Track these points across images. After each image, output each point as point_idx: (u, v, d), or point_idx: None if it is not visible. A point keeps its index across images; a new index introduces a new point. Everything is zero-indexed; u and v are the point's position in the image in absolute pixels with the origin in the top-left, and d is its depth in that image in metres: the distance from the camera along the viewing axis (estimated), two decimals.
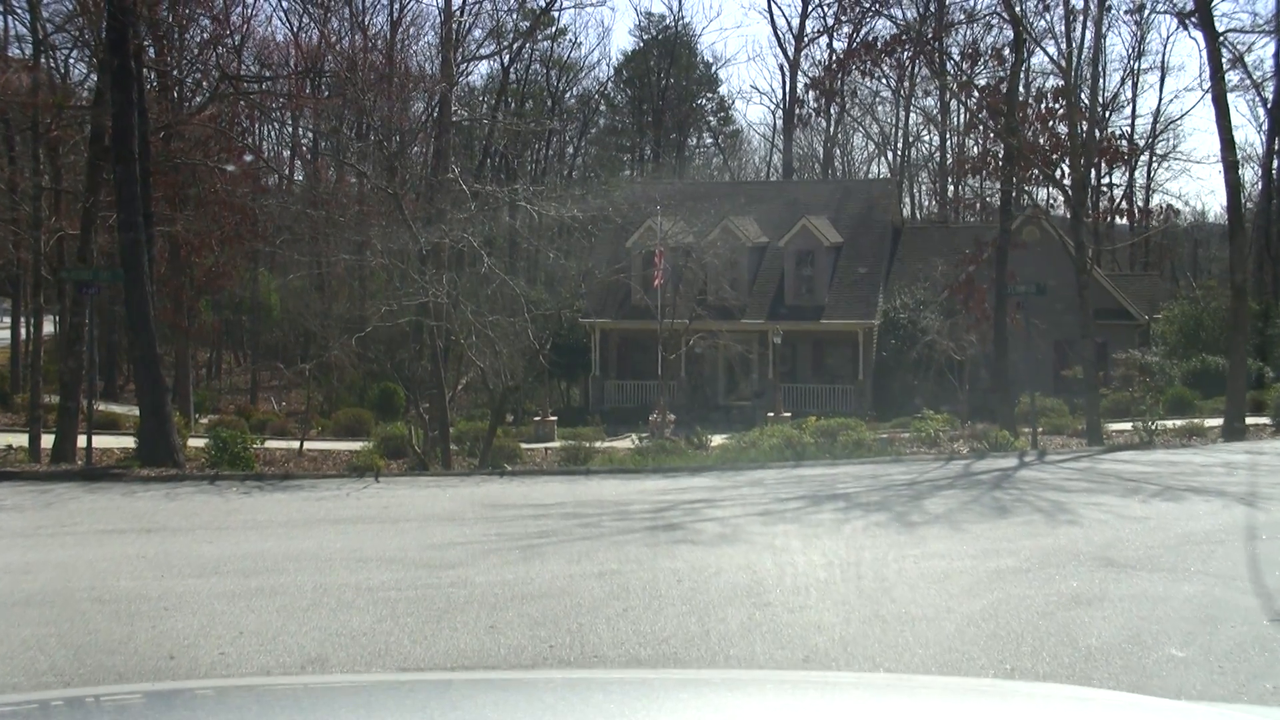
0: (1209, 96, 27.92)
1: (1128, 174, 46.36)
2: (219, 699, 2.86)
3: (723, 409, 40.49)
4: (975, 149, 32.41)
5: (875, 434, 26.42)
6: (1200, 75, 38.80)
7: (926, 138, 66.46)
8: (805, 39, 63.56)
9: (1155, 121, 60.08)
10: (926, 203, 69.86)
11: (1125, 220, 25.55)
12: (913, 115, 62.74)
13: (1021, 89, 31.80)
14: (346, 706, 2.50)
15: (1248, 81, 50.28)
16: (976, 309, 28.29)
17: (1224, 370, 41.71)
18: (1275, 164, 53.76)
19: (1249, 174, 57.96)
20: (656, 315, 36.53)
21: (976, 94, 28.66)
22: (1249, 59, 51.46)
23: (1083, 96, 30.26)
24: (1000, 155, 27.92)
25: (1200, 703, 4.22)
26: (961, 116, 53.06)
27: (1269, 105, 50.16)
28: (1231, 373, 27.45)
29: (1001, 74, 29.47)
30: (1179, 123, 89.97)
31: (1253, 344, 45.28)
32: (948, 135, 59.46)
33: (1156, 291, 54.05)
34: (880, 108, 66.27)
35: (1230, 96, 31.26)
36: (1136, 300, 46.91)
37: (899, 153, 66.26)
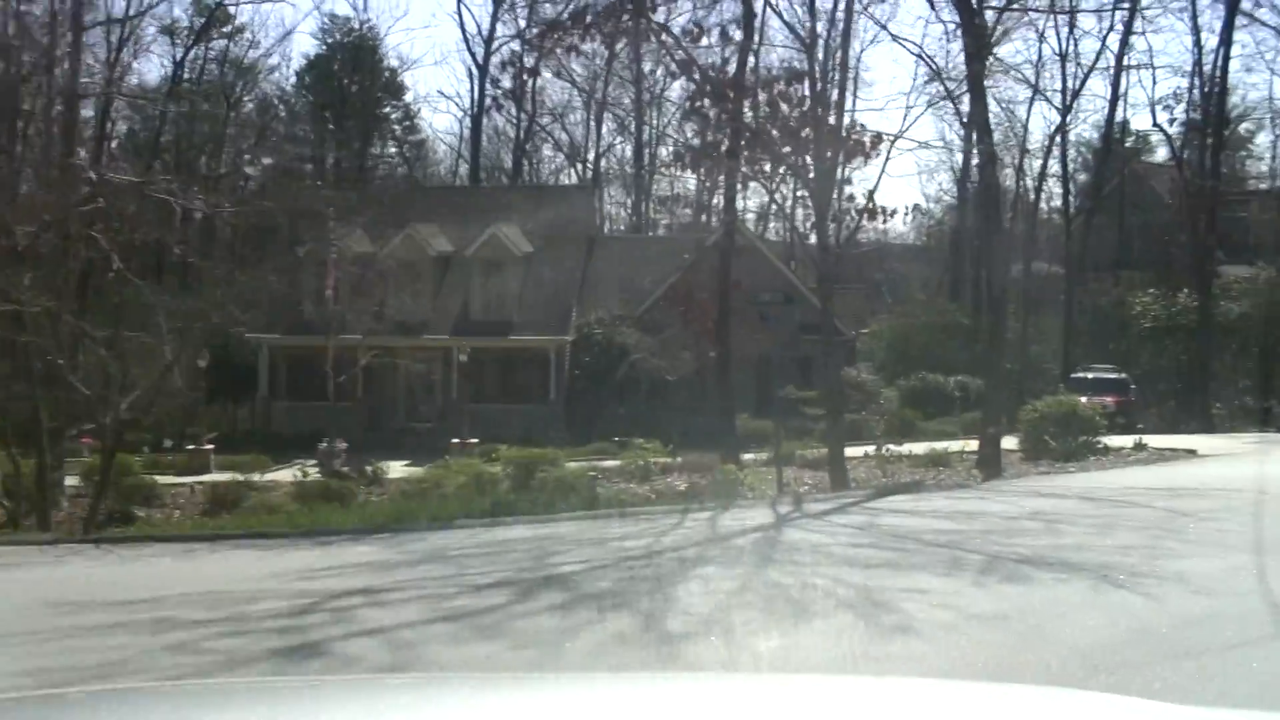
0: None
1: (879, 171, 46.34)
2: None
3: (405, 432, 39.49)
4: (696, 140, 30.79)
5: (576, 462, 25.33)
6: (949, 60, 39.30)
7: (619, 146, 67.18)
8: (495, 41, 62.73)
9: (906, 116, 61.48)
10: (618, 213, 70.85)
11: (869, 221, 23.99)
12: (605, 126, 65.14)
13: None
14: None
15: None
16: (698, 322, 26.34)
17: (944, 388, 42.42)
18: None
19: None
20: (328, 331, 35.08)
21: (699, 74, 26.67)
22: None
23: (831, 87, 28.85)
24: (725, 146, 26.24)
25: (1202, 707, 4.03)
26: (658, 120, 52.72)
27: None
28: (988, 396, 26.47)
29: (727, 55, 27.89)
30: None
31: (964, 359, 46.18)
32: (645, 142, 59.93)
33: (860, 306, 54.84)
34: (570, 116, 67.78)
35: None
36: (842, 315, 47.02)
37: (589, 164, 67.62)
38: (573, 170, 69.78)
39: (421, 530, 17.37)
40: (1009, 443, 26.21)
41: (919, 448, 27.10)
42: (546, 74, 62.09)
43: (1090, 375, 41.06)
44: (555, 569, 13.68)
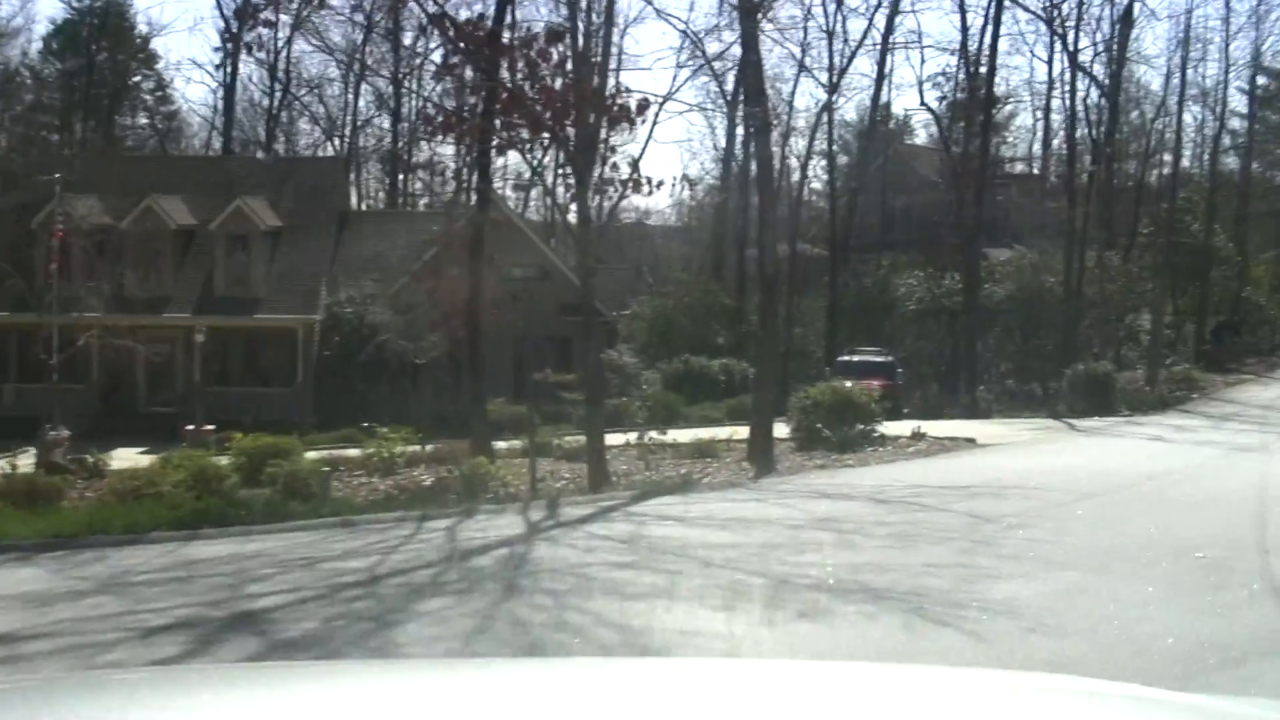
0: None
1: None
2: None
3: (148, 417, 36.70)
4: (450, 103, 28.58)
5: (317, 451, 23.98)
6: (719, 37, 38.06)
7: (379, 120, 65.17)
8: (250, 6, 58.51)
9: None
10: (377, 189, 68.43)
11: (635, 192, 22.13)
12: (364, 99, 62.61)
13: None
14: None
15: None
16: (447, 300, 24.07)
17: (708, 371, 41.13)
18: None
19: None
20: (50, 307, 31.47)
21: (453, 29, 24.25)
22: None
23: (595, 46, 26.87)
24: (479, 109, 24.08)
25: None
26: (419, 91, 50.30)
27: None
28: (759, 382, 24.79)
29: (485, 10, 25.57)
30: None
31: (728, 342, 45.04)
32: (404, 115, 57.54)
33: (622, 286, 53.53)
34: (328, 89, 64.92)
35: None
36: (602, 295, 45.52)
37: (346, 138, 64.59)
38: (330, 144, 66.72)
39: (109, 545, 14.65)
40: (779, 430, 24.65)
41: (684, 435, 25.51)
42: (303, 45, 59.45)
43: (856, 359, 40.06)
44: (254, 602, 11.23)
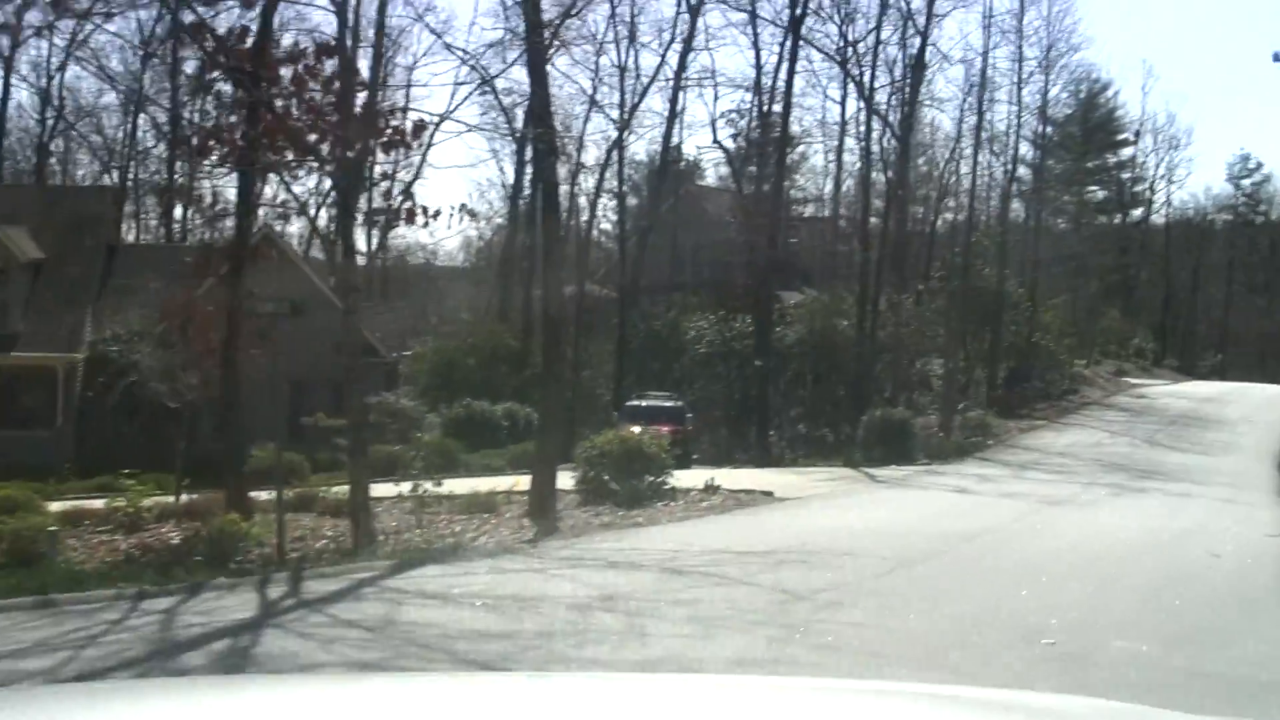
0: None
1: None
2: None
3: None
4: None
5: (66, 502, 22.22)
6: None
7: (156, 152, 61.57)
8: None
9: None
10: (157, 226, 64.92)
11: (409, 223, 20.00)
12: (141, 129, 58.97)
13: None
14: None
15: None
16: (199, 339, 21.55)
17: (491, 417, 39.00)
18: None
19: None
20: None
21: (213, 42, 21.73)
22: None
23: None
24: (242, 129, 21.63)
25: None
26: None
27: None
28: (543, 430, 22.77)
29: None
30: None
31: (512, 386, 43.02)
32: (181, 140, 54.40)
33: (405, 326, 51.42)
34: (107, 118, 61.23)
35: None
36: (383, 335, 43.51)
37: (124, 168, 60.97)
38: (108, 176, 62.87)
39: None
40: (565, 480, 22.69)
41: (463, 485, 23.41)
42: (78, 70, 55.94)
43: (645, 403, 38.41)
44: None
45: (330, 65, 20.29)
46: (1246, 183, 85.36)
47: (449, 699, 3.02)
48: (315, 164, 21.04)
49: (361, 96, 22.62)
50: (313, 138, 20.29)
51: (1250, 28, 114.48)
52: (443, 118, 23.54)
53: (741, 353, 46.94)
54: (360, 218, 20.42)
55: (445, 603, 12.69)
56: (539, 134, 23.30)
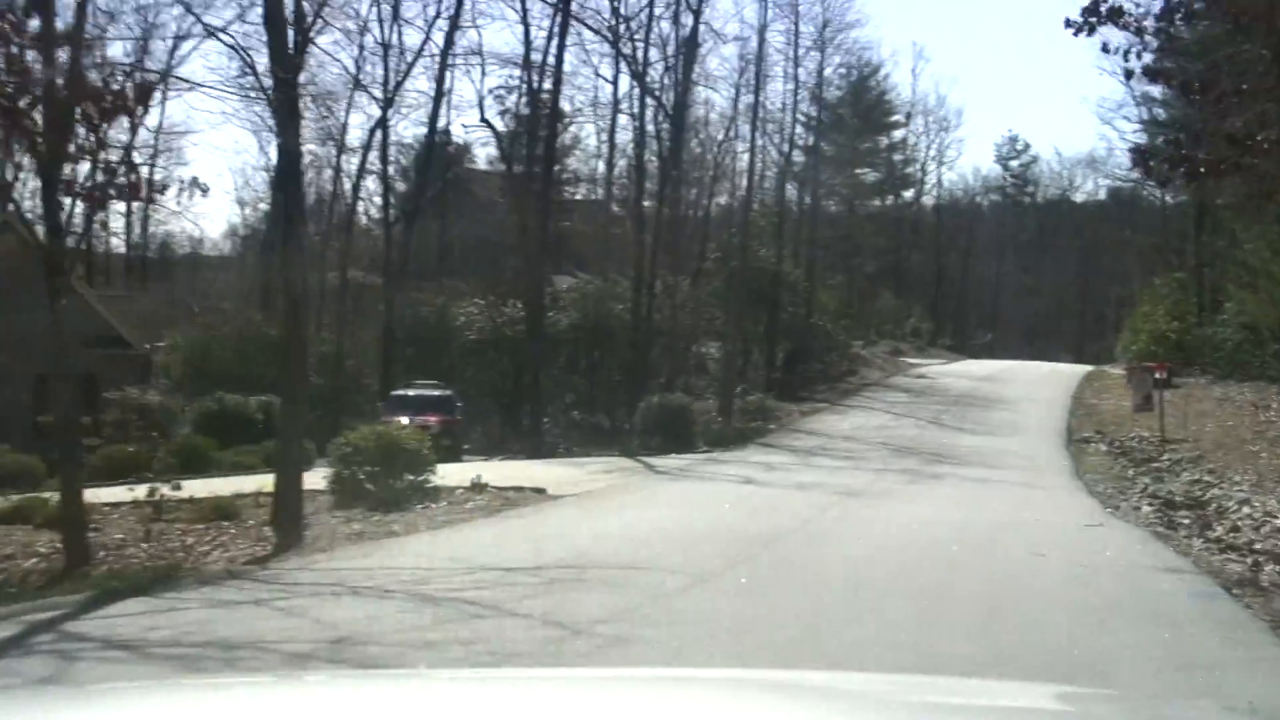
0: None
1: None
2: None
3: None
4: None
5: None
6: None
7: None
8: None
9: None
10: None
11: (133, 199, 17.20)
12: None
13: None
14: None
15: None
16: None
17: (246, 410, 35.87)
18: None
19: None
20: None
21: None
22: None
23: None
24: None
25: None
26: None
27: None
28: (284, 426, 19.95)
29: None
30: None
31: (271, 377, 39.93)
32: None
33: (161, 316, 47.89)
34: None
35: None
36: (136, 325, 39.94)
37: None
38: None
39: None
40: (318, 478, 20.07)
41: (209, 487, 20.97)
42: None
43: (412, 393, 35.84)
44: None
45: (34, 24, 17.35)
46: (1015, 164, 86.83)
47: (448, 697, 3.08)
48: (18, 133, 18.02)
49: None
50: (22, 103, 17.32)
51: (1018, 10, 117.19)
52: (164, 75, 20.71)
53: (513, 339, 44.65)
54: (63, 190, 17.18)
55: (131, 654, 9.96)
56: (277, 94, 20.42)
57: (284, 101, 20.58)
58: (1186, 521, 19.12)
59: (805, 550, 14.57)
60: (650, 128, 49.28)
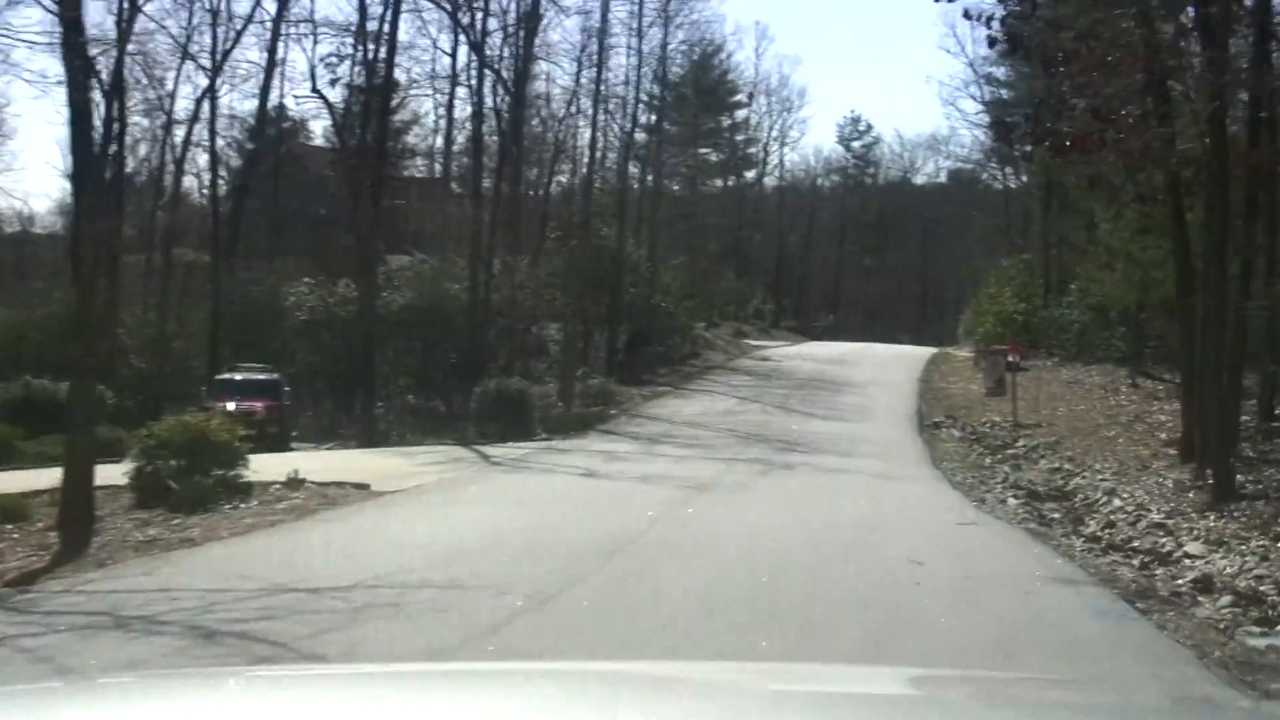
0: None
1: None
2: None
3: None
4: None
5: None
6: None
7: None
8: None
9: None
10: None
11: None
12: None
13: None
14: None
15: None
16: None
17: (53, 396, 32.92)
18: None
19: None
20: None
21: None
22: None
23: None
24: None
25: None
26: None
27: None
28: (72, 415, 17.60)
29: None
30: None
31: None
32: None
33: None
34: None
35: None
36: None
37: None
38: None
39: None
40: (122, 473, 17.86)
41: (11, 481, 18.78)
42: None
43: (239, 377, 33.41)
44: None
45: None
46: (857, 144, 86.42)
47: (449, 694, 3.07)
48: None
49: None
50: None
51: None
52: None
53: (346, 320, 42.25)
54: None
55: None
56: (65, 42, 17.98)
57: (71, 48, 18.18)
58: (1057, 516, 17.90)
59: (653, 561, 12.78)
60: (490, 102, 47.18)
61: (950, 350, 53.45)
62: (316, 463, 23.15)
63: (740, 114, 78.27)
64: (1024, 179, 57.15)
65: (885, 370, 43.36)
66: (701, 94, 70.76)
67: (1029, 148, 22.52)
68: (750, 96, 77.39)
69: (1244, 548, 14.48)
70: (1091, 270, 31.02)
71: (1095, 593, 11.38)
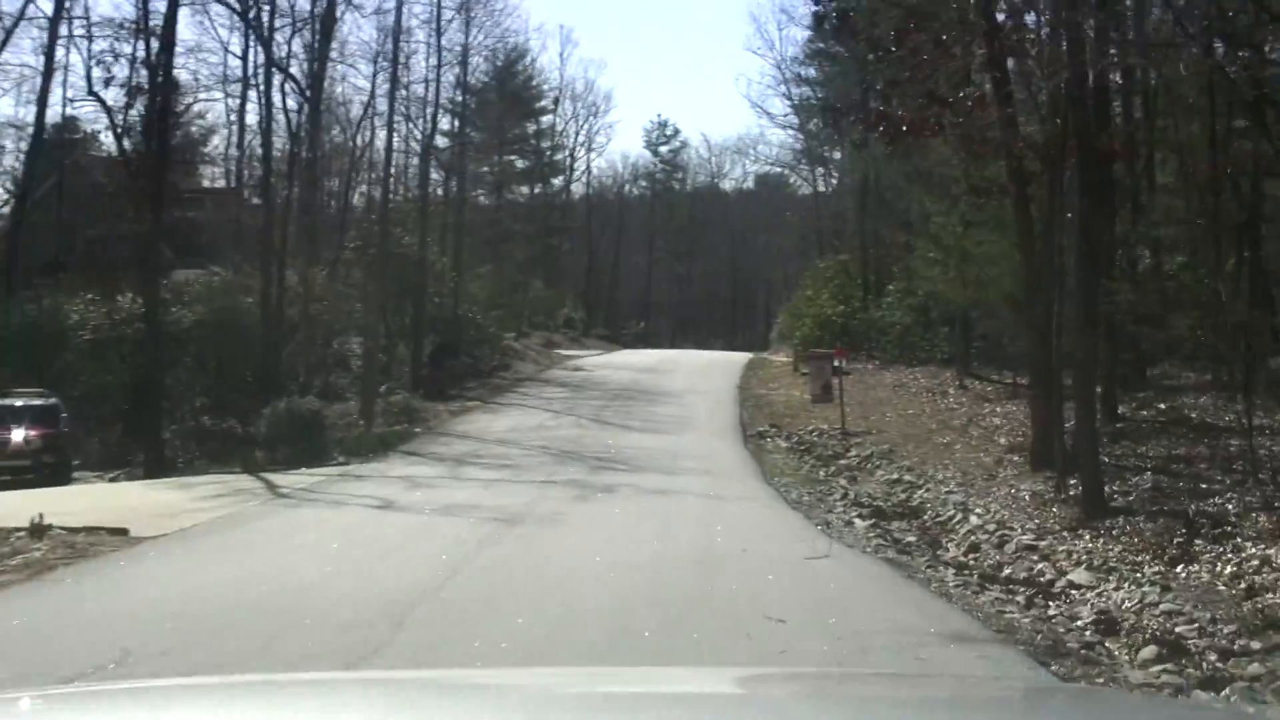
0: None
1: None
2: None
3: None
4: None
5: None
6: None
7: None
8: None
9: None
10: None
11: None
12: None
13: None
14: None
15: None
16: None
17: None
18: None
19: None
20: None
21: None
22: None
23: None
24: None
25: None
26: None
27: None
28: None
29: None
30: None
31: None
32: None
33: None
34: None
35: None
36: None
37: None
38: None
39: None
40: None
41: None
42: None
43: (19, 403, 29.63)
44: None
45: None
46: (664, 149, 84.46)
47: (448, 695, 3.21)
48: None
49: None
50: None
51: None
52: None
53: (133, 338, 38.40)
54: None
55: None
56: None
57: None
58: (912, 539, 15.74)
59: (452, 628, 10.05)
60: (283, 104, 43.67)
61: (767, 355, 51.61)
62: (83, 500, 20.05)
63: (546, 120, 75.69)
64: (836, 179, 55.98)
65: (702, 377, 41.18)
66: (506, 99, 68.11)
67: (860, 137, 20.38)
68: (555, 101, 74.87)
69: (1138, 575, 12.44)
70: (921, 268, 29.19)
71: (999, 654, 9.08)
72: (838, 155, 57.08)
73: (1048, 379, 19.85)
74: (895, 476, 21.89)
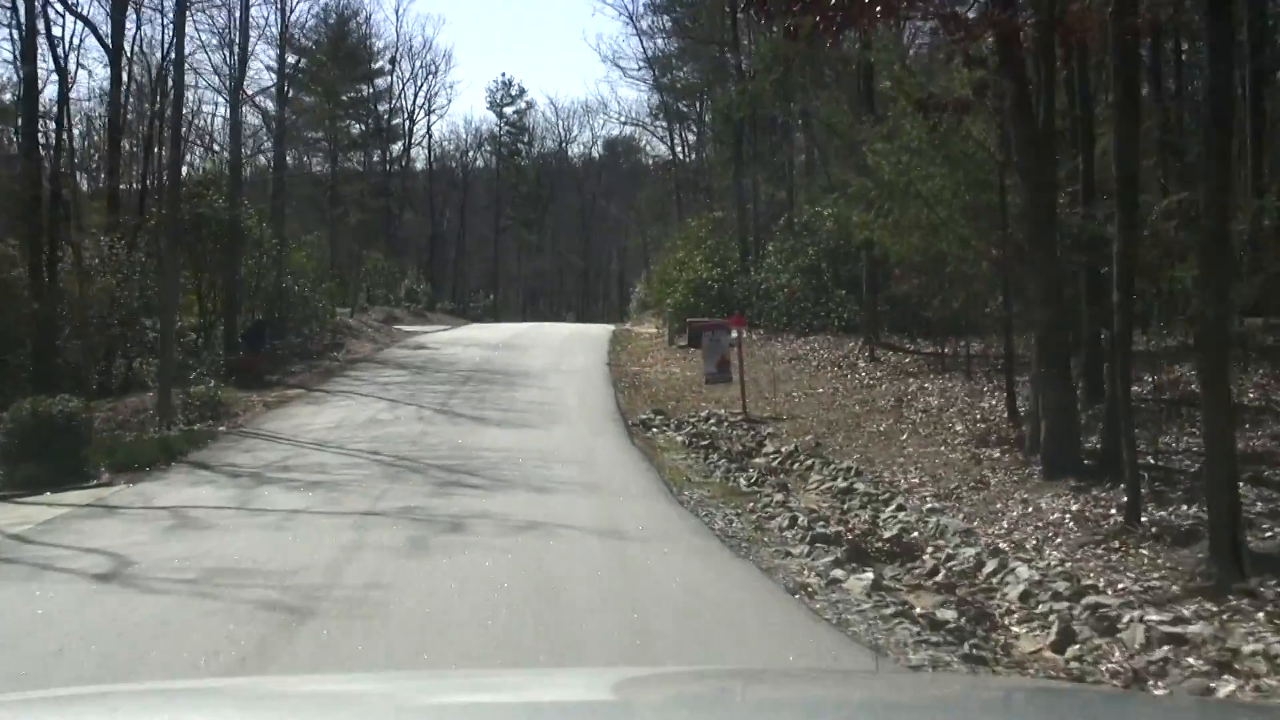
0: None
1: None
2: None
3: None
4: None
5: None
6: None
7: None
8: None
9: None
10: None
11: None
12: None
13: None
14: None
15: None
16: None
17: None
18: None
19: None
20: None
21: None
22: None
23: None
24: None
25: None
26: None
27: None
28: None
29: None
30: None
31: None
32: None
33: None
34: None
35: None
36: None
37: None
38: None
39: None
40: None
41: None
42: None
43: None
44: None
45: None
46: (510, 110, 77.13)
47: (447, 696, 2.99)
48: None
49: None
50: None
51: None
52: None
53: None
54: None
55: None
56: None
57: None
58: (959, 623, 9.41)
59: None
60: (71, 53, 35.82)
61: (629, 327, 45.20)
62: None
63: (381, 82, 68.06)
64: (710, 125, 49.49)
65: (564, 354, 34.56)
66: (340, 61, 60.57)
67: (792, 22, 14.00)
68: (392, 61, 67.34)
69: None
70: (843, 211, 22.91)
71: None
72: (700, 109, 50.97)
73: (1062, 348, 13.83)
74: (841, 483, 15.68)
